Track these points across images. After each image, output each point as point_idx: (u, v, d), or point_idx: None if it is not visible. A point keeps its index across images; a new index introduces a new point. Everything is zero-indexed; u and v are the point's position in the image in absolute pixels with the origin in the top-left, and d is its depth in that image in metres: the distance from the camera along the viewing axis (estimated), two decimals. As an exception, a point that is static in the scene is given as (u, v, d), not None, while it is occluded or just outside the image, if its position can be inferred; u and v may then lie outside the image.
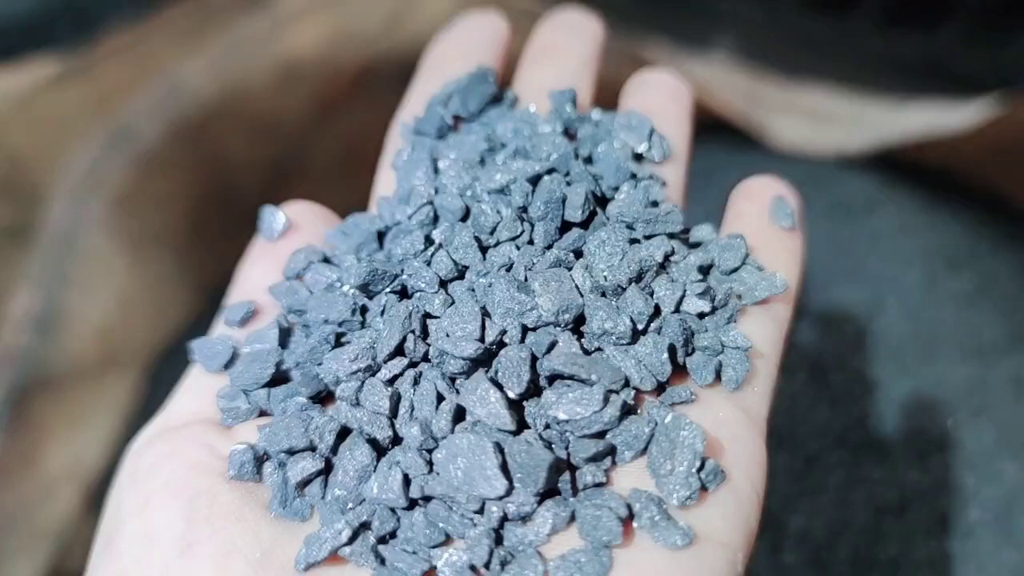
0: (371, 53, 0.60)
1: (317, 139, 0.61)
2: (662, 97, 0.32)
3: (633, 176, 0.28)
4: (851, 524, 0.42)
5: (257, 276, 0.28)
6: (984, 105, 0.58)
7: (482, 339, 0.23)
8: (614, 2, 0.71)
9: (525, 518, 0.21)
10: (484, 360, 0.23)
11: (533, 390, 0.22)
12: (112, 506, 0.24)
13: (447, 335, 0.23)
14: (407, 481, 0.22)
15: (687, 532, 0.20)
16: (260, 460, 0.23)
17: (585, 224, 0.26)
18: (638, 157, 0.29)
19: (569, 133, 0.30)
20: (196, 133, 0.59)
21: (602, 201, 0.27)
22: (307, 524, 0.23)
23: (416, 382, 0.23)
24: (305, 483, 0.23)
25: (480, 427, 0.21)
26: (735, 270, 0.27)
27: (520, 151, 0.28)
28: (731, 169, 0.58)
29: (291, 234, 0.29)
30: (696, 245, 0.28)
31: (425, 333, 0.24)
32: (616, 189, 0.28)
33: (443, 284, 0.25)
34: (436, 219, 0.27)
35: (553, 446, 0.22)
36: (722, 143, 0.60)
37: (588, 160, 0.29)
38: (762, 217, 0.29)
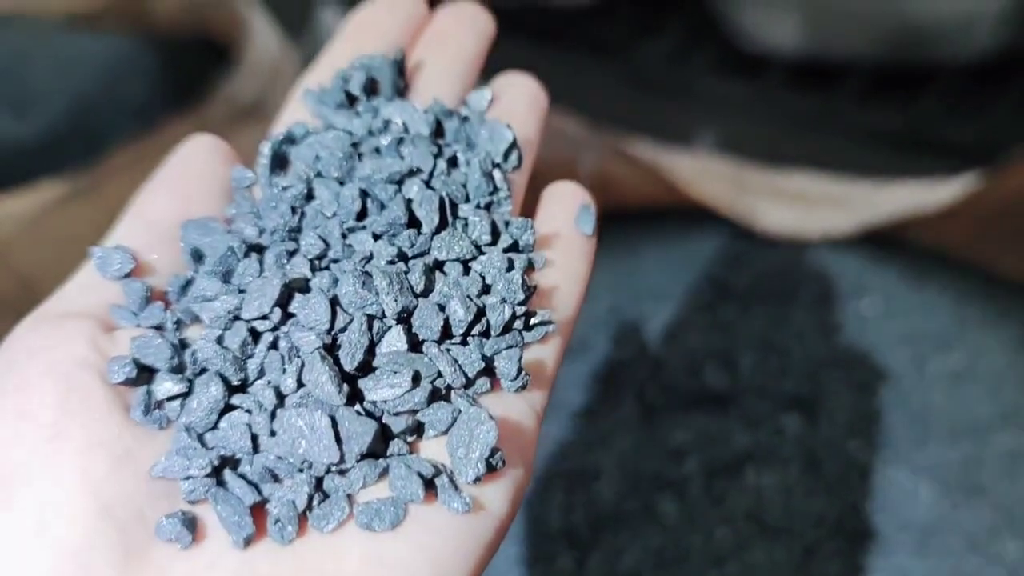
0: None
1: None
2: (523, 105, 0.34)
3: (493, 190, 0.30)
4: (853, 613, 0.43)
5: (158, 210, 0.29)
6: (966, 180, 0.60)
7: (330, 330, 0.26)
8: (599, 98, 0.73)
9: (344, 472, 0.24)
10: (330, 345, 0.26)
11: (368, 366, 0.26)
12: None
13: (302, 324, 0.26)
14: (252, 436, 0.25)
15: (467, 502, 0.24)
16: (139, 370, 0.25)
17: (439, 228, 0.29)
18: (496, 165, 0.31)
19: (440, 128, 0.32)
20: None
21: (454, 206, 0.30)
22: (163, 433, 0.25)
23: (274, 346, 0.26)
24: (168, 399, 0.25)
25: (314, 401, 0.25)
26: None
27: (392, 146, 0.31)
28: (719, 258, 0.59)
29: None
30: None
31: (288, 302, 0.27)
32: (474, 201, 0.30)
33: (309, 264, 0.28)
34: (309, 197, 0.29)
35: (375, 417, 0.25)
36: (709, 232, 0.62)
37: (453, 162, 0.31)
38: (569, 221, 0.31)
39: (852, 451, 0.48)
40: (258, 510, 0.24)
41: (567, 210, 0.32)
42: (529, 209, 0.32)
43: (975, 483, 0.47)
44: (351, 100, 0.33)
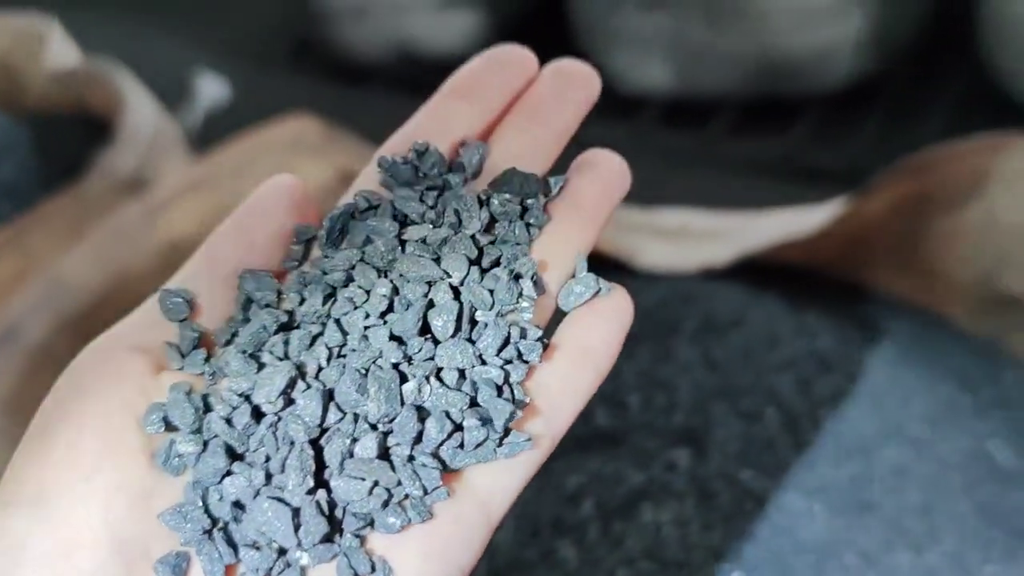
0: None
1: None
2: (593, 194, 0.34)
3: (520, 296, 0.31)
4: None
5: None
6: (837, 203, 0.62)
7: (321, 423, 0.29)
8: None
9: (304, 548, 0.28)
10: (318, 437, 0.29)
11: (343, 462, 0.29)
12: (59, 399, 0.29)
13: (298, 415, 0.29)
14: (240, 505, 0.28)
15: None
16: (166, 427, 0.29)
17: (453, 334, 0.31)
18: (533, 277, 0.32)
19: (493, 218, 0.33)
20: (82, 325, 0.60)
21: (473, 312, 0.31)
22: (178, 479, 0.29)
23: (275, 427, 0.29)
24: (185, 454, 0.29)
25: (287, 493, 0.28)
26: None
27: (437, 244, 0.32)
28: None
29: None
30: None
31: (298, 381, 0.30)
32: (496, 307, 0.31)
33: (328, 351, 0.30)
34: (349, 282, 0.32)
35: (335, 509, 0.28)
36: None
37: (496, 262, 0.32)
38: (594, 331, 0.31)
39: (745, 480, 0.49)
40: (233, 568, 0.28)
41: (597, 321, 0.32)
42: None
43: (865, 500, 0.48)
44: (421, 174, 0.34)
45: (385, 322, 0.30)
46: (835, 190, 0.64)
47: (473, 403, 0.30)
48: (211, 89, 0.85)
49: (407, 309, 0.30)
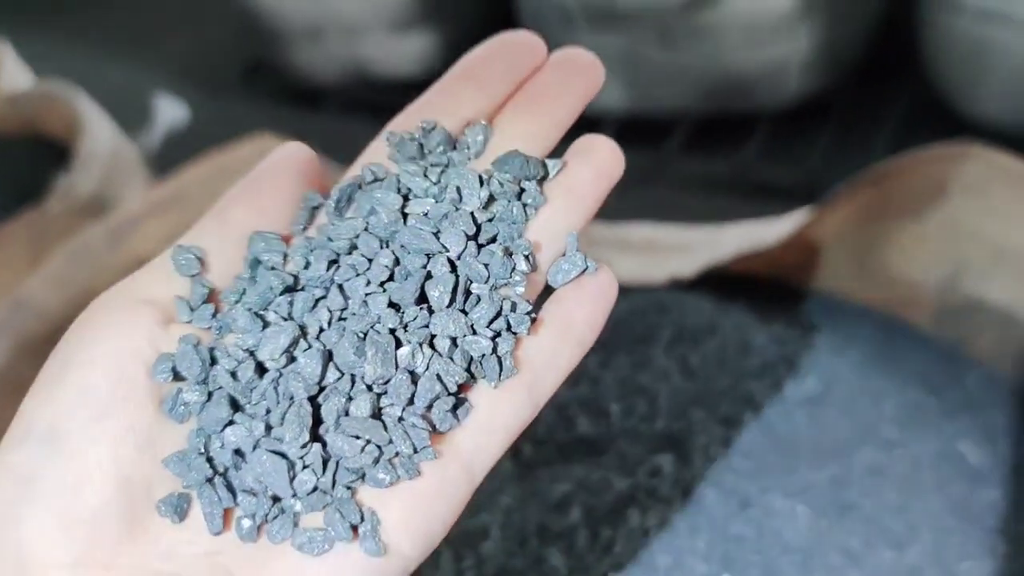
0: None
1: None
2: (586, 177, 0.35)
3: (512, 270, 0.33)
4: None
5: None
6: (798, 215, 0.63)
7: (320, 382, 0.30)
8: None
9: (297, 497, 0.30)
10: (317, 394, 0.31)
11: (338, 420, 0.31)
12: (71, 346, 0.30)
13: (298, 372, 0.30)
14: (240, 454, 0.30)
15: (379, 549, 0.29)
16: (175, 376, 0.31)
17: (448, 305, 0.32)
18: (527, 256, 0.33)
19: (492, 197, 0.34)
20: (45, 348, 0.58)
21: (468, 284, 0.33)
22: (183, 426, 0.30)
23: (276, 382, 0.31)
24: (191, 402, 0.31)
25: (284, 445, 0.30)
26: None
27: (438, 218, 0.33)
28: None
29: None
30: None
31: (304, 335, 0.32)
32: (491, 281, 0.33)
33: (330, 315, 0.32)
34: (352, 250, 0.33)
35: (328, 463, 0.30)
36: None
37: (493, 239, 0.34)
38: (580, 310, 0.33)
39: (728, 483, 0.49)
40: (231, 511, 0.30)
41: (582, 297, 0.33)
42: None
43: (846, 500, 0.49)
44: (426, 151, 0.36)
45: (385, 290, 0.32)
46: (788, 204, 0.66)
47: (470, 375, 0.32)
48: (170, 111, 0.84)
49: (406, 279, 0.32)
